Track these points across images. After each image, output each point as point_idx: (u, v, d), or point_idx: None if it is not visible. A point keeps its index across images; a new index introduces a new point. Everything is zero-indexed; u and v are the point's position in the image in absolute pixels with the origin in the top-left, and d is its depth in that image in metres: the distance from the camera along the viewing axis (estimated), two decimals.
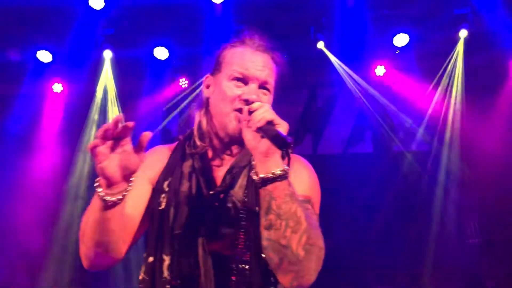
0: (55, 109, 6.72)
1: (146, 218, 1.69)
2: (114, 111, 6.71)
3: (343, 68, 6.42)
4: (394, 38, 6.08)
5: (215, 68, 1.78)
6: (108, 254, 1.54)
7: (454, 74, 6.31)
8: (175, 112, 6.81)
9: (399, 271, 6.15)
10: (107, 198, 1.40)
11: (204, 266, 1.58)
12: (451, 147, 6.39)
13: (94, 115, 6.69)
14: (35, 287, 6.09)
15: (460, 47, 6.14)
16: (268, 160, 1.47)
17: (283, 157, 1.49)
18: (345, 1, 5.82)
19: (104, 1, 5.68)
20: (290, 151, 1.47)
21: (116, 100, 6.66)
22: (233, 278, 1.58)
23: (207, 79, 1.80)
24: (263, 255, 1.53)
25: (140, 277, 1.66)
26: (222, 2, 5.75)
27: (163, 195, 1.68)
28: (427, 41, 6.12)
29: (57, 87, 6.64)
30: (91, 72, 6.47)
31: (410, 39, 6.06)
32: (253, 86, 1.68)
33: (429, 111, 6.49)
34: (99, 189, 1.41)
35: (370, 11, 5.87)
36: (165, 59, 6.24)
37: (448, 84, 6.38)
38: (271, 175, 1.46)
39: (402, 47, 6.16)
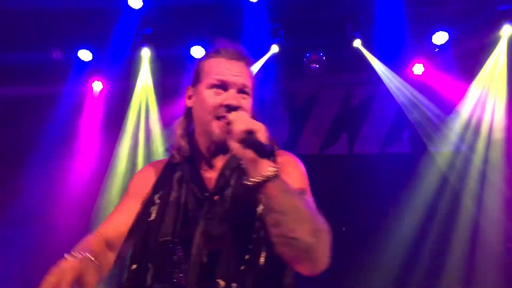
0: (95, 107, 6.89)
1: (131, 234, 1.75)
2: (152, 109, 6.83)
3: (380, 67, 6.34)
4: (433, 36, 5.96)
5: (195, 79, 1.89)
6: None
7: (496, 73, 6.13)
8: None
9: (436, 271, 6.04)
10: None
11: (191, 272, 1.62)
12: (492, 148, 6.22)
13: (133, 113, 6.84)
14: None
15: (503, 45, 5.97)
16: (257, 164, 1.53)
17: (270, 159, 1.56)
18: None
19: (143, 1, 5.80)
20: (271, 158, 1.54)
21: (154, 98, 6.78)
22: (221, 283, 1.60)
23: (188, 90, 1.91)
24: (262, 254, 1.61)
25: (123, 285, 1.70)
26: (258, 1, 5.77)
27: (153, 207, 1.75)
28: (467, 39, 5.97)
29: (97, 85, 6.80)
30: (130, 71, 6.61)
31: (449, 37, 5.93)
32: (232, 91, 1.78)
33: (469, 111, 6.33)
34: None
35: (408, 8, 5.77)
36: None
37: (490, 82, 6.21)
38: (263, 177, 1.51)
39: (441, 45, 6.03)
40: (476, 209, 6.18)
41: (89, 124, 6.88)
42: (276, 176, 1.52)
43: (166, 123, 6.82)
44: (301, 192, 1.67)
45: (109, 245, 1.73)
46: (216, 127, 1.75)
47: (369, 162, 6.24)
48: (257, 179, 1.52)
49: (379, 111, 6.77)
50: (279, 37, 6.17)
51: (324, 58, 6.16)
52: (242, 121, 1.57)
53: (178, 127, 1.92)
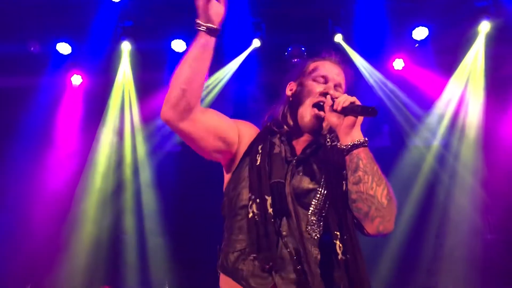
0: (74, 100, 6.80)
1: (223, 148, 2.16)
2: (132, 103, 6.77)
3: (360, 62, 6.38)
4: (413, 32, 6.02)
5: (299, 75, 2.33)
6: (186, 96, 1.99)
7: (475, 68, 6.23)
8: None
9: (414, 265, 6.13)
10: (209, 25, 2.03)
11: (293, 209, 2.00)
12: (470, 142, 6.32)
13: (113, 107, 6.76)
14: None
15: (481, 41, 6.06)
16: (352, 131, 1.99)
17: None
18: None
19: None
20: (376, 114, 1.95)
21: (135, 92, 6.72)
22: (308, 228, 1.99)
23: (290, 85, 2.35)
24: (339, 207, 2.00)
25: (250, 215, 2.00)
26: None
27: (258, 155, 2.12)
28: (447, 35, 6.05)
29: (76, 79, 6.71)
30: (110, 64, 6.53)
31: (429, 33, 5.99)
32: (331, 84, 2.22)
33: (448, 105, 6.43)
34: (201, 23, 2.04)
35: (389, 4, 5.82)
36: (183, 52, 6.27)
37: (468, 78, 6.30)
38: (357, 142, 1.97)
39: (421, 40, 6.09)
40: (453, 201, 6.29)
41: (68, 118, 6.79)
42: (366, 143, 1.97)
43: (146, 118, 6.77)
44: None
45: (201, 118, 2.07)
46: (309, 113, 2.18)
47: None
48: (352, 142, 1.97)
49: None
50: (261, 31, 6.16)
51: (305, 52, 6.17)
52: (345, 96, 2.02)
53: (282, 110, 2.31)
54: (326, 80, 2.24)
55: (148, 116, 6.78)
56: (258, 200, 1.99)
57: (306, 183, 2.05)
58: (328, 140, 2.20)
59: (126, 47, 6.36)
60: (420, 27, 5.97)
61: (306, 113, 2.19)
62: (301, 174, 2.08)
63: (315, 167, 2.11)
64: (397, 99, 6.52)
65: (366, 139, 1.99)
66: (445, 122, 6.46)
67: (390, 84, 6.49)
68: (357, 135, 1.99)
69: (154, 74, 6.63)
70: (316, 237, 1.98)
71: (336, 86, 2.24)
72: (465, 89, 6.34)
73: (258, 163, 2.09)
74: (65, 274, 6.16)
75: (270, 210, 1.97)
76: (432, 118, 6.50)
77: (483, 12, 5.75)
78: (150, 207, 6.60)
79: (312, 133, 2.20)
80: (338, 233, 1.95)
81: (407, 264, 6.12)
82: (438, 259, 6.10)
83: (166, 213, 6.47)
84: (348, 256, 1.92)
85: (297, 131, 2.23)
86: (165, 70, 6.52)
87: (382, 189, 1.91)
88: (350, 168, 1.96)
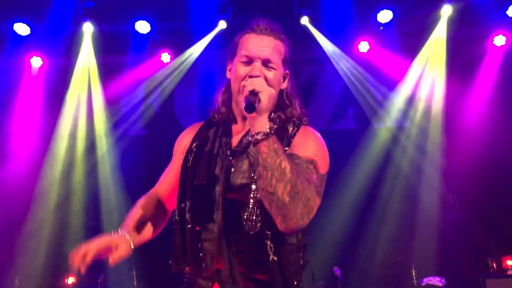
0: (33, 84, 6.57)
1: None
2: (95, 86, 6.60)
3: (326, 44, 6.40)
4: (378, 15, 6.07)
5: (232, 54, 2.10)
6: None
7: (437, 50, 6.35)
8: (156, 86, 6.76)
9: (381, 242, 6.27)
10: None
11: (221, 210, 1.89)
12: (432, 123, 6.47)
13: (74, 90, 6.58)
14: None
15: (443, 24, 6.18)
16: (255, 123, 1.76)
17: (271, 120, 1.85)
18: None
19: None
20: (250, 111, 1.75)
21: (97, 75, 6.55)
22: (245, 224, 1.85)
23: (228, 64, 2.15)
24: None
25: (174, 219, 2.02)
26: None
27: (191, 155, 2.04)
28: (411, 18, 6.13)
29: (36, 61, 6.49)
30: (71, 46, 6.34)
31: (393, 16, 6.06)
32: (257, 64, 1.98)
33: (412, 87, 6.54)
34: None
35: None
36: (147, 33, 6.15)
37: (430, 60, 6.42)
38: (257, 135, 1.75)
39: (386, 23, 6.16)
40: (417, 182, 6.44)
41: (27, 102, 6.56)
42: (268, 135, 1.74)
43: (110, 101, 6.63)
44: (309, 161, 1.86)
45: (163, 200, 2.17)
46: (241, 97, 1.93)
47: None
48: (253, 135, 1.76)
49: (326, 88, 6.87)
50: (227, 13, 6.10)
51: None
52: (251, 83, 1.80)
53: (220, 95, 2.15)
54: (250, 59, 1.98)
55: (112, 99, 6.64)
56: (180, 205, 1.97)
57: (239, 179, 1.90)
58: None
59: (88, 28, 6.18)
60: (385, 10, 6.03)
61: (239, 97, 1.98)
62: (233, 169, 1.93)
63: (249, 160, 1.92)
64: (362, 82, 6.59)
65: (270, 128, 1.75)
66: (409, 103, 6.58)
67: (355, 67, 6.55)
68: (259, 127, 1.75)
69: (117, 56, 6.49)
70: (250, 237, 1.84)
71: (266, 61, 1.98)
72: (428, 70, 6.46)
73: (189, 164, 2.02)
74: (26, 264, 6.03)
75: (188, 215, 1.93)
76: (396, 99, 6.60)
77: None
78: (113, 191, 6.49)
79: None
80: (269, 233, 1.83)
81: (373, 243, 6.26)
82: (404, 237, 6.25)
83: (129, 197, 6.39)
84: (278, 257, 1.84)
85: (234, 119, 2.09)
86: (128, 52, 6.38)
87: (283, 185, 1.68)
88: (254, 162, 1.80)
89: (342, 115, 6.83)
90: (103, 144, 6.64)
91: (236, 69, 2.01)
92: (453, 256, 6.05)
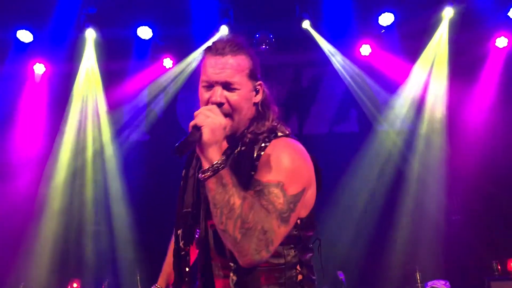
0: (37, 90, 6.61)
1: None
2: (98, 93, 6.63)
3: (328, 48, 6.41)
4: (379, 17, 6.08)
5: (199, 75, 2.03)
6: None
7: (439, 52, 6.35)
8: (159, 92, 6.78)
9: (385, 246, 6.25)
10: None
11: (205, 237, 1.90)
12: (435, 125, 6.46)
13: (77, 96, 6.61)
14: None
15: (444, 26, 6.18)
16: (202, 158, 1.71)
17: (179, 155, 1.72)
18: None
19: None
20: (178, 154, 1.69)
21: (100, 81, 6.58)
22: (227, 249, 1.78)
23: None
24: None
25: (172, 246, 2.07)
26: None
27: (181, 182, 2.06)
28: (412, 20, 6.13)
29: (39, 68, 6.52)
30: (74, 52, 6.37)
31: (395, 18, 6.06)
32: (217, 89, 1.86)
33: (414, 90, 6.54)
34: None
35: None
36: (149, 39, 6.18)
37: (432, 62, 6.42)
38: (204, 172, 1.68)
39: (387, 26, 6.16)
40: (420, 184, 6.43)
41: (31, 108, 6.60)
42: (214, 170, 1.66)
43: (112, 107, 6.66)
44: (274, 184, 1.73)
45: None
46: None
47: (319, 142, 6.34)
48: (201, 173, 1.68)
49: (328, 92, 6.87)
50: (229, 18, 6.11)
51: (273, 39, 6.16)
52: (196, 117, 1.72)
53: None
54: (210, 84, 1.87)
55: (114, 105, 6.67)
56: (177, 233, 2.00)
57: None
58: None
59: (90, 34, 6.21)
60: (386, 13, 6.04)
61: None
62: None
63: None
64: (364, 85, 6.59)
65: (219, 163, 1.66)
66: (412, 106, 6.57)
67: (357, 70, 6.55)
68: (205, 162, 1.68)
69: (119, 62, 6.51)
70: (235, 261, 1.74)
71: (225, 84, 1.86)
72: (430, 73, 6.46)
73: (180, 191, 2.06)
74: (31, 270, 6.04)
75: (181, 243, 1.97)
76: (399, 102, 6.60)
77: None
78: (117, 197, 6.50)
79: (228, 140, 1.93)
80: (232, 265, 1.77)
81: (377, 246, 6.24)
82: (407, 240, 6.24)
83: (133, 203, 6.39)
84: (267, 279, 1.80)
85: None
86: (131, 57, 6.41)
87: (233, 222, 1.62)
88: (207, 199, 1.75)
89: (345, 118, 6.83)
90: (107, 149, 6.66)
91: (200, 94, 1.91)
92: (457, 259, 6.03)
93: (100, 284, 5.81)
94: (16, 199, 6.15)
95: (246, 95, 1.91)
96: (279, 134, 1.92)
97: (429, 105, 6.50)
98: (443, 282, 5.42)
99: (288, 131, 1.97)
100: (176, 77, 6.63)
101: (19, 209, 6.17)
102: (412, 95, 6.54)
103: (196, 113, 1.74)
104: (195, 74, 6.56)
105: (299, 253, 1.87)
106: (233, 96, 1.87)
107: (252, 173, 1.79)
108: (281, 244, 1.76)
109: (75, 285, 5.79)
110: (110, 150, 6.65)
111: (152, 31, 6.07)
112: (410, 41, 6.33)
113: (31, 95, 6.60)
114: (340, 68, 6.53)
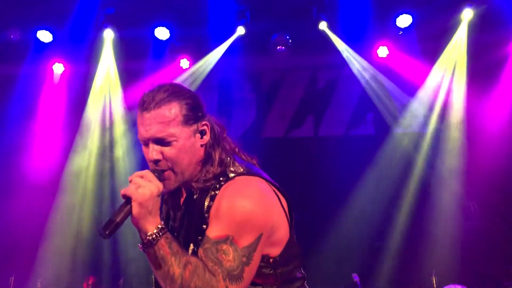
0: (56, 89, 6.70)
1: None
2: (116, 91, 6.70)
3: (345, 49, 6.38)
4: (397, 19, 6.03)
5: None
6: None
7: (457, 55, 6.28)
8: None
9: (400, 248, 6.21)
10: None
11: None
12: (453, 128, 6.39)
13: (96, 96, 6.69)
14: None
15: (463, 28, 6.10)
16: (138, 231, 1.68)
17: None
18: None
19: None
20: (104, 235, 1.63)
21: (118, 81, 6.65)
22: None
23: None
24: None
25: None
26: None
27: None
28: (431, 22, 6.07)
29: (58, 67, 6.61)
30: (92, 52, 6.44)
31: (413, 20, 6.01)
32: (151, 146, 1.80)
33: (432, 92, 6.47)
34: None
35: None
36: (166, 39, 6.22)
37: (452, 65, 6.35)
38: (141, 244, 1.68)
39: (405, 28, 6.11)
40: (437, 188, 6.36)
41: (50, 107, 6.69)
42: (149, 244, 1.64)
43: (130, 106, 6.71)
44: (222, 240, 1.68)
45: None
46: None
47: (335, 145, 6.32)
48: (139, 244, 1.68)
49: (344, 94, 6.83)
50: (245, 18, 6.12)
51: (290, 40, 6.15)
52: (129, 185, 1.70)
53: None
54: (144, 142, 1.82)
55: (132, 104, 6.72)
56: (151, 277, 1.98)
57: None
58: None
59: (108, 35, 6.27)
60: (404, 15, 5.98)
61: None
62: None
63: (185, 230, 1.87)
64: (381, 87, 6.54)
65: (155, 232, 1.64)
66: (429, 109, 6.51)
67: (374, 72, 6.51)
68: (142, 234, 1.67)
69: (137, 62, 6.57)
70: None
71: (157, 140, 1.78)
72: (448, 76, 6.39)
73: None
74: (49, 265, 6.12)
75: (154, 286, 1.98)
76: (416, 105, 6.54)
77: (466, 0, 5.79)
78: None
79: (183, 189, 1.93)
80: None
81: (393, 250, 6.20)
82: (424, 244, 6.18)
83: None
84: None
85: (179, 190, 1.99)
86: (148, 57, 6.45)
87: (170, 286, 1.64)
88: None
89: (361, 120, 6.79)
90: (122, 148, 6.73)
91: (143, 150, 1.85)
92: (474, 264, 5.95)
93: (115, 282, 5.86)
94: (36, 198, 6.24)
95: (185, 143, 1.80)
96: (231, 175, 1.81)
97: (447, 108, 6.43)
98: (459, 287, 5.35)
99: (243, 167, 1.85)
100: (192, 77, 6.66)
101: (38, 208, 6.26)
102: (430, 97, 6.48)
103: (130, 178, 1.72)
104: (211, 74, 6.59)
105: (285, 272, 1.83)
106: (169, 150, 1.78)
107: (204, 226, 1.75)
108: (261, 284, 1.76)
109: (90, 281, 5.85)
110: (124, 148, 6.72)
111: (170, 32, 6.10)
112: (428, 43, 6.26)
113: (50, 93, 6.69)
114: (357, 70, 6.49)
